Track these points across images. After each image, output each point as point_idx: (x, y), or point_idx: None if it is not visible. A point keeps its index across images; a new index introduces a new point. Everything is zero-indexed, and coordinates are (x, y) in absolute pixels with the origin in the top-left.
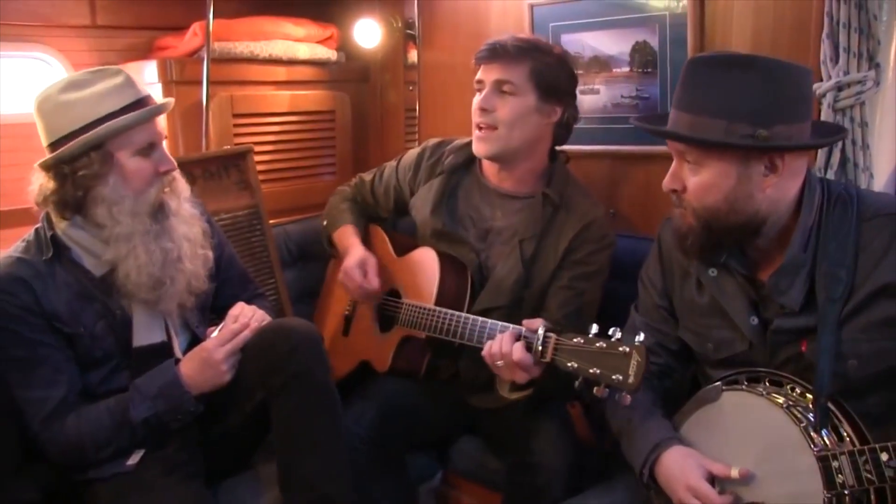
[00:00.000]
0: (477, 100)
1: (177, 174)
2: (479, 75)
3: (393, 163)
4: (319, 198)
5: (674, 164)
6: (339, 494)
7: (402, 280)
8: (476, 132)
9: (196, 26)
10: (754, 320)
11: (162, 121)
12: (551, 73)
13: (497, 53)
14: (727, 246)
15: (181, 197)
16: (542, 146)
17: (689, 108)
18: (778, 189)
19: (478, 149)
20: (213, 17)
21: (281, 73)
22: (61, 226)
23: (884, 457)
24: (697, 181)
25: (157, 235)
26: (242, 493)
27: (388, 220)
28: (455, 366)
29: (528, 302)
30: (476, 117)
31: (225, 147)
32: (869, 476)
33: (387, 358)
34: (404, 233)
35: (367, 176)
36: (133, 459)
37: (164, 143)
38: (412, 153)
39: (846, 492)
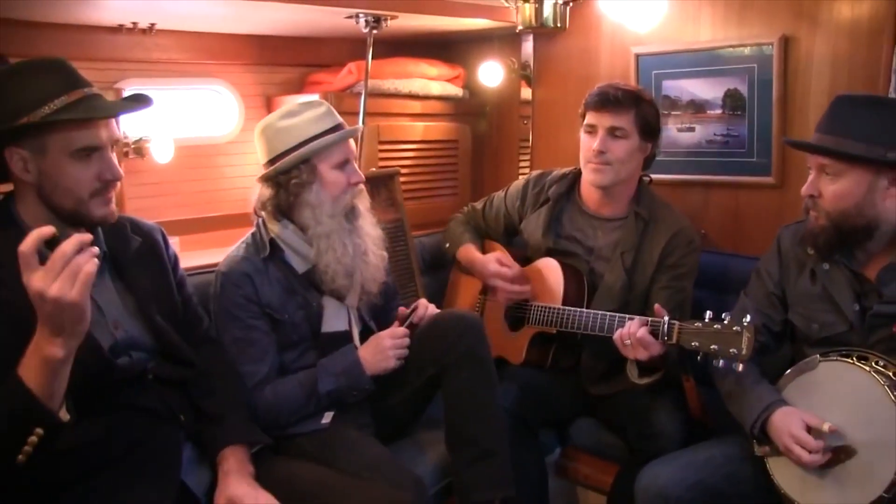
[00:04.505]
0: (588, 142)
1: (363, 187)
2: (590, 120)
3: (501, 193)
4: (442, 215)
5: (812, 175)
6: (500, 450)
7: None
8: (591, 165)
9: (352, 65)
10: (856, 307)
11: (352, 143)
12: (649, 117)
13: (609, 102)
14: (849, 244)
15: (366, 206)
16: (637, 174)
17: (837, 132)
18: (894, 201)
19: (594, 180)
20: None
21: (416, 106)
22: (275, 229)
23: None
24: (835, 188)
25: (350, 232)
26: (407, 453)
27: (499, 240)
28: (574, 358)
29: (632, 304)
30: (593, 158)
31: (373, 169)
32: None
33: (521, 352)
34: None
35: (479, 205)
36: (326, 419)
37: (355, 161)
38: (517, 184)
39: None
